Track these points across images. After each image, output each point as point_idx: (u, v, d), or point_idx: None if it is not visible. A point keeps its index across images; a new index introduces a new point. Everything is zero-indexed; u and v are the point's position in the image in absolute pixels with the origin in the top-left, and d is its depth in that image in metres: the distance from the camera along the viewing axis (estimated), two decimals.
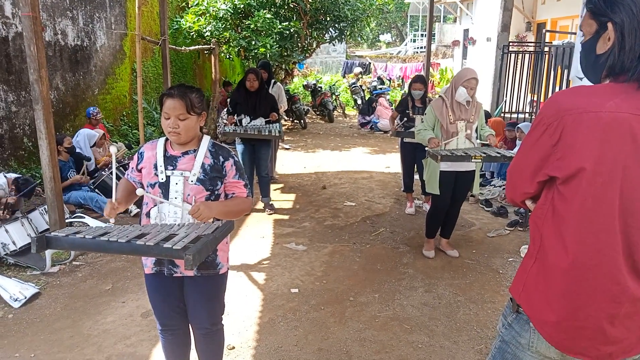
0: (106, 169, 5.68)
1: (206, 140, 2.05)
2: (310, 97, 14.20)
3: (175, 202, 1.94)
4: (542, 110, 1.33)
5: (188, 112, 1.92)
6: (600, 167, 1.21)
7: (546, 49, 7.39)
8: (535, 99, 8.08)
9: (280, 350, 2.82)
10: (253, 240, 4.58)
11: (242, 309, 3.29)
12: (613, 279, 1.26)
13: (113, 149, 1.96)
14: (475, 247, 4.45)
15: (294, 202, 5.83)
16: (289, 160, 8.18)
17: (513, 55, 8.16)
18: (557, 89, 6.40)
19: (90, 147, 5.92)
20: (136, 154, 2.11)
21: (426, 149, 3.87)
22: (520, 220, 5.02)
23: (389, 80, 17.62)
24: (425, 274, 3.88)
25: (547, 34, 8.42)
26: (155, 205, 1.99)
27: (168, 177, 1.96)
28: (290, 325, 3.09)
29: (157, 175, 1.97)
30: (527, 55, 8.22)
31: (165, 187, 1.96)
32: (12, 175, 4.79)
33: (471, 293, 3.56)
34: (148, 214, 2.01)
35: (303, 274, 3.86)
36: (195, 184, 1.96)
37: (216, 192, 2.03)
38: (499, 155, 3.57)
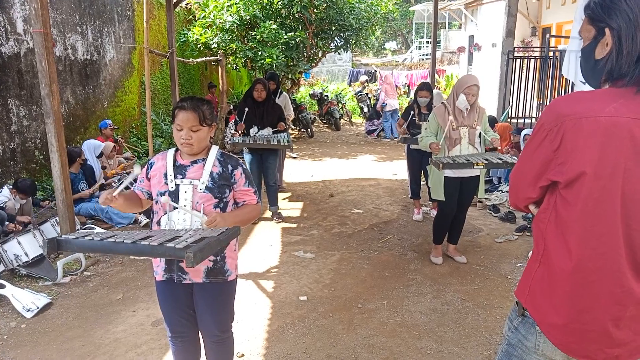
0: (116, 180, 5.75)
1: (214, 149, 2.10)
2: (316, 106, 14.27)
3: (192, 211, 1.98)
4: (542, 116, 1.35)
5: (200, 124, 1.98)
6: (601, 171, 1.23)
7: (551, 53, 7.39)
8: (542, 103, 8.07)
9: (290, 358, 2.84)
10: (261, 248, 4.61)
11: (251, 316, 3.32)
12: (617, 282, 1.27)
13: (137, 169, 2.01)
14: (483, 253, 4.44)
15: (302, 211, 5.86)
16: (297, 169, 8.22)
17: (518, 60, 8.18)
18: (562, 93, 6.40)
19: (97, 157, 5.99)
20: (146, 164, 2.16)
21: (431, 155, 3.89)
22: (528, 226, 5.00)
23: (395, 87, 17.65)
24: (433, 280, 3.88)
25: (553, 39, 8.43)
26: (165, 214, 2.03)
27: (177, 186, 2.01)
28: (299, 333, 3.11)
29: (167, 184, 2.02)
30: (532, 60, 8.22)
31: (174, 196, 2.00)
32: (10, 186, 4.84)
33: (479, 299, 3.56)
34: (158, 222, 2.05)
35: (311, 281, 3.88)
36: (204, 192, 2.01)
37: (224, 200, 2.07)
38: (501, 161, 3.58)
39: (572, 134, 1.25)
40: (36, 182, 5.79)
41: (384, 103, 11.28)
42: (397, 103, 11.41)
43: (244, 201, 2.14)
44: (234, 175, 2.08)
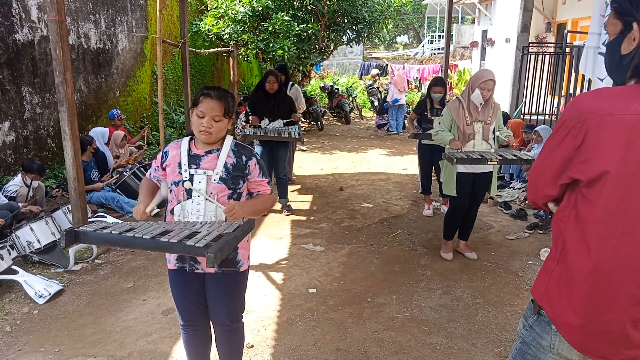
0: (127, 170, 5.78)
1: (229, 140, 2.09)
2: (327, 99, 14.22)
3: (216, 202, 1.99)
4: (565, 112, 1.33)
5: (224, 115, 1.98)
6: (625, 170, 1.20)
7: (568, 49, 7.28)
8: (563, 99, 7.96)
9: (299, 350, 2.84)
10: (271, 240, 4.62)
11: (260, 308, 3.33)
12: (636, 283, 1.25)
13: (163, 189, 2.04)
14: (494, 250, 4.42)
15: (311, 204, 5.85)
16: (306, 162, 8.21)
17: (533, 56, 8.07)
18: (578, 90, 6.31)
19: (105, 143, 6.03)
20: (160, 152, 2.16)
21: (444, 150, 3.86)
22: (540, 223, 4.96)
23: (406, 81, 17.54)
24: (443, 276, 3.86)
25: (568, 35, 8.31)
26: (178, 203, 2.03)
27: (192, 176, 2.01)
28: (309, 325, 3.11)
29: (181, 174, 2.02)
30: (547, 56, 8.12)
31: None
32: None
33: (490, 296, 3.54)
34: (172, 211, 2.06)
35: (321, 274, 3.88)
36: (218, 182, 2.01)
37: (238, 191, 2.07)
38: (515, 157, 3.54)
39: (595, 132, 1.22)
40: (47, 170, 5.84)
41: (394, 98, 11.16)
42: (404, 98, 11.29)
43: (259, 191, 2.15)
44: (249, 166, 2.08)
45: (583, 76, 6.32)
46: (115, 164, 5.99)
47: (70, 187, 4.19)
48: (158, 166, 2.14)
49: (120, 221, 1.99)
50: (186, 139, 2.11)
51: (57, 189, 5.38)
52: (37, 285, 3.48)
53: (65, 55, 3.90)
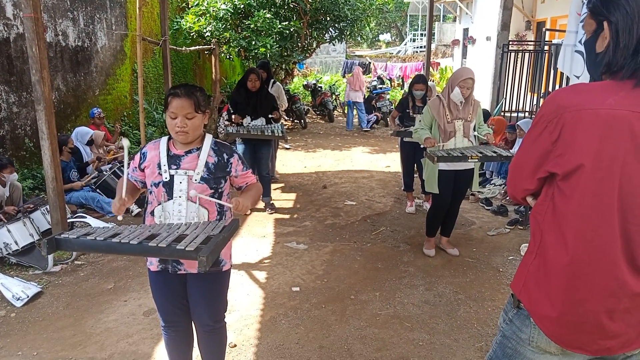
0: (107, 169, 5.69)
1: (209, 138, 2.07)
2: (310, 97, 14.21)
3: (223, 203, 2.00)
4: (542, 108, 1.36)
5: (195, 111, 1.96)
6: (599, 164, 1.23)
7: (546, 47, 7.40)
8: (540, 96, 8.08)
9: (282, 348, 2.84)
10: (254, 239, 4.60)
11: (243, 307, 3.31)
12: (611, 275, 1.27)
13: (125, 142, 1.95)
14: (476, 246, 4.47)
15: (295, 202, 5.84)
16: (290, 160, 8.19)
17: (513, 54, 8.17)
18: (556, 87, 6.41)
19: (85, 144, 5.94)
20: (138, 153, 2.12)
21: (425, 148, 3.89)
22: (520, 219, 5.03)
23: (389, 79, 17.64)
24: (426, 272, 3.89)
25: (547, 33, 8.43)
26: (159, 204, 2.00)
27: (172, 176, 1.98)
28: (292, 324, 3.11)
29: (161, 175, 1.99)
30: (527, 54, 8.23)
31: (169, 186, 1.98)
32: None
33: (471, 291, 3.57)
34: (152, 213, 2.02)
35: (304, 272, 3.87)
36: (199, 182, 1.98)
37: (220, 190, 2.05)
38: (495, 154, 3.58)
39: (571, 126, 1.25)
40: (25, 170, 5.72)
41: (349, 100, 11.32)
42: (360, 95, 11.35)
43: (247, 183, 2.16)
44: (231, 163, 2.07)
45: (561, 73, 6.42)
46: (94, 165, 5.89)
47: (48, 188, 4.10)
48: (136, 167, 2.10)
49: (102, 223, 1.95)
50: (164, 139, 2.07)
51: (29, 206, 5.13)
52: (14, 288, 3.41)
53: (41, 53, 3.82)
